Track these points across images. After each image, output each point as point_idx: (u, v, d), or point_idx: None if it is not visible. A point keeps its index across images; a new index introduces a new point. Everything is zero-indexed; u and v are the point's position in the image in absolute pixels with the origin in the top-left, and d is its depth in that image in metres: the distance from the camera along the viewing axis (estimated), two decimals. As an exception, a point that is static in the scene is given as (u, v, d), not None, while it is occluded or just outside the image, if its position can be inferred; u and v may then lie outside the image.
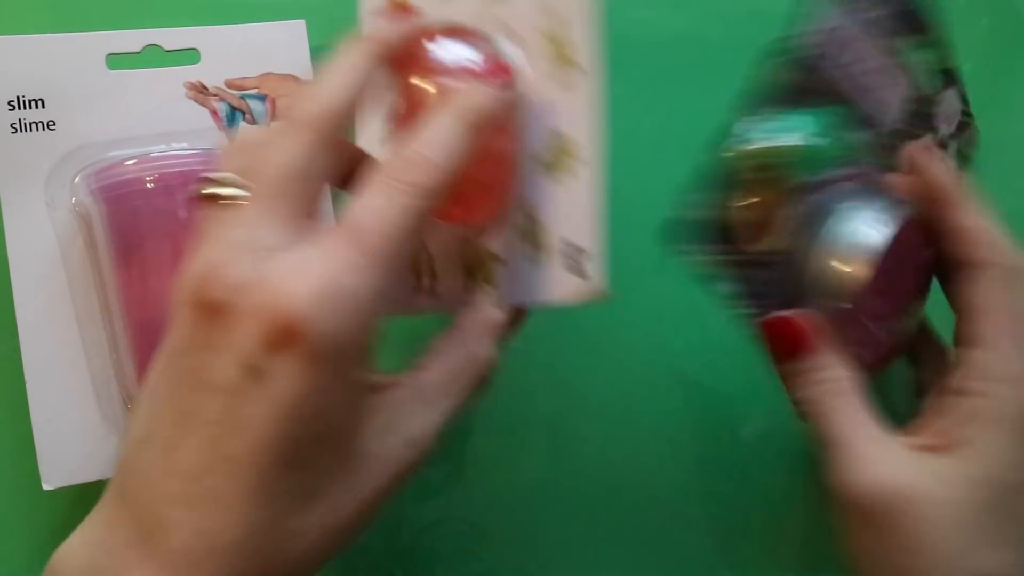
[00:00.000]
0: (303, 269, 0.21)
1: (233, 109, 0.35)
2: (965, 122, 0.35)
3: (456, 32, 0.28)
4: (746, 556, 0.39)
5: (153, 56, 0.34)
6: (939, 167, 0.31)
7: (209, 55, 0.34)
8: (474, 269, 0.31)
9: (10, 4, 0.35)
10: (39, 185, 0.32)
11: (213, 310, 0.21)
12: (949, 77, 0.35)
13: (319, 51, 0.36)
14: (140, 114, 0.33)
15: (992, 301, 0.28)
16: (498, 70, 0.28)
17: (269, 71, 0.35)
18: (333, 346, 0.21)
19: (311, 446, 0.22)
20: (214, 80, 0.34)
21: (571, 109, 0.30)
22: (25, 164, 0.32)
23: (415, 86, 0.27)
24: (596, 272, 0.30)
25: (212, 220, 0.23)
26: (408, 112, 0.27)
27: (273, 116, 0.35)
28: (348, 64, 0.25)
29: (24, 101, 0.32)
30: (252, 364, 0.21)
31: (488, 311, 0.28)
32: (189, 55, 0.34)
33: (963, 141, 0.35)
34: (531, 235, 0.31)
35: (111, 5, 0.36)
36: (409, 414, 0.25)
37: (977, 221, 0.30)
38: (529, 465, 0.39)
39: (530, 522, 0.38)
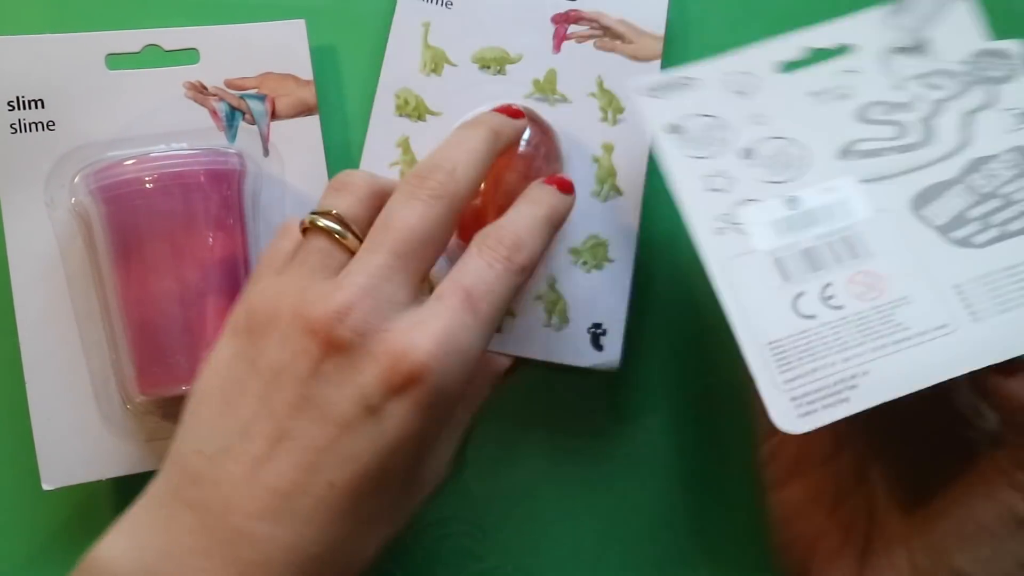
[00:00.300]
0: (426, 323, 0.25)
1: (233, 109, 0.35)
2: None
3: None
4: (747, 555, 0.39)
5: (153, 56, 0.34)
6: None
7: (209, 55, 0.34)
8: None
9: (10, 4, 0.35)
10: (39, 185, 0.32)
11: (340, 348, 0.24)
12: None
13: (319, 51, 0.36)
14: (140, 114, 0.33)
15: None
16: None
17: (269, 71, 0.35)
18: (444, 394, 0.25)
19: (397, 477, 0.25)
20: (214, 80, 0.34)
21: (610, 221, 0.37)
22: (25, 164, 0.32)
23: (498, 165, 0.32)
24: (612, 347, 0.36)
25: (326, 255, 0.27)
26: (490, 185, 0.33)
27: (273, 116, 0.35)
28: (481, 147, 0.29)
29: (24, 101, 0.32)
30: (371, 403, 0.24)
31: (496, 360, 0.32)
32: (189, 55, 0.34)
33: None
34: (554, 306, 0.37)
35: (111, 5, 0.36)
36: (444, 440, 0.29)
37: None
38: (529, 465, 0.39)
39: (530, 522, 0.38)
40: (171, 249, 0.31)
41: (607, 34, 0.38)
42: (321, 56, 0.36)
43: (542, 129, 0.35)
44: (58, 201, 0.32)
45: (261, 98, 0.35)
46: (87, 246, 0.32)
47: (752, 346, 0.28)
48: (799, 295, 0.29)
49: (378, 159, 0.37)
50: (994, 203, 0.29)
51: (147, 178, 0.31)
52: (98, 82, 0.33)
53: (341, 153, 0.36)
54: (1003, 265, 0.28)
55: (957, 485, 0.28)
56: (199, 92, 0.34)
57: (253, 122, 0.35)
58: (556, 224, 0.30)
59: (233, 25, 0.35)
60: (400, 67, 0.37)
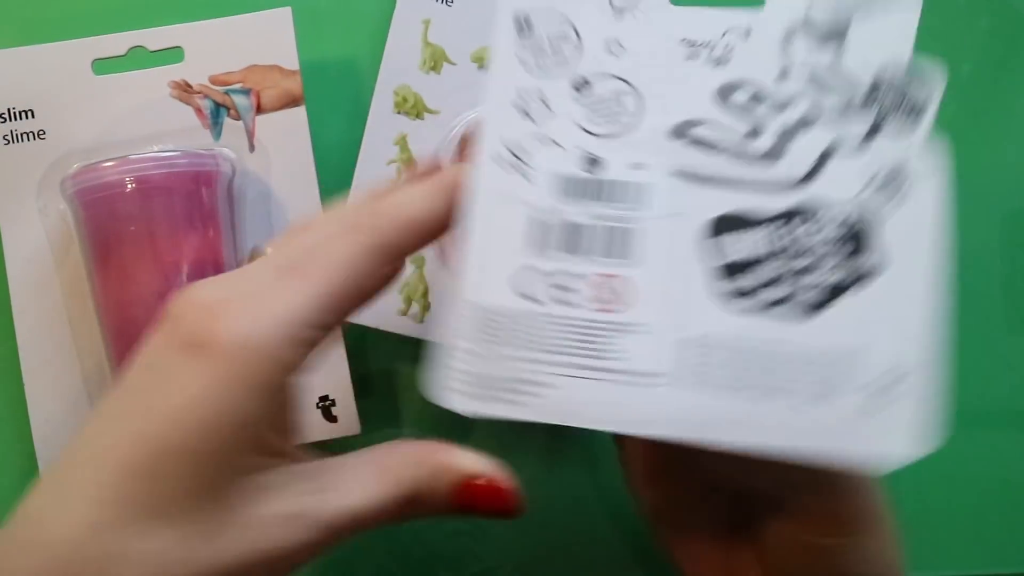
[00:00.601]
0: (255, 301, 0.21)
1: (217, 105, 0.34)
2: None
3: None
4: None
5: (138, 58, 0.34)
6: None
7: (193, 52, 0.34)
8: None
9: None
10: (32, 193, 0.33)
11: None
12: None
13: (306, 40, 0.35)
14: (128, 117, 0.34)
15: None
16: None
17: (254, 63, 0.34)
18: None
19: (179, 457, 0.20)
20: (199, 77, 0.34)
21: None
22: (18, 174, 0.33)
23: None
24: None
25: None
26: None
27: (258, 109, 0.34)
28: (427, 191, 0.24)
29: (14, 112, 0.33)
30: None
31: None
32: (174, 54, 0.34)
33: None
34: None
35: (93, 10, 0.36)
36: (296, 493, 0.22)
37: None
38: (529, 465, 0.36)
39: (530, 522, 0.35)
40: (150, 252, 0.31)
41: None
42: (309, 45, 0.35)
43: None
44: (51, 208, 0.33)
45: (246, 92, 0.34)
46: (81, 251, 0.33)
47: (463, 301, 0.24)
48: (537, 271, 0.24)
49: (375, 156, 0.36)
50: (790, 266, 0.24)
51: (125, 180, 0.31)
52: (86, 88, 0.33)
53: (328, 144, 0.35)
54: (754, 339, 0.23)
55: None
56: (184, 91, 0.34)
57: (238, 117, 0.34)
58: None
59: (216, 19, 0.34)
60: (399, 64, 0.36)
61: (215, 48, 0.34)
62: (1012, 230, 0.41)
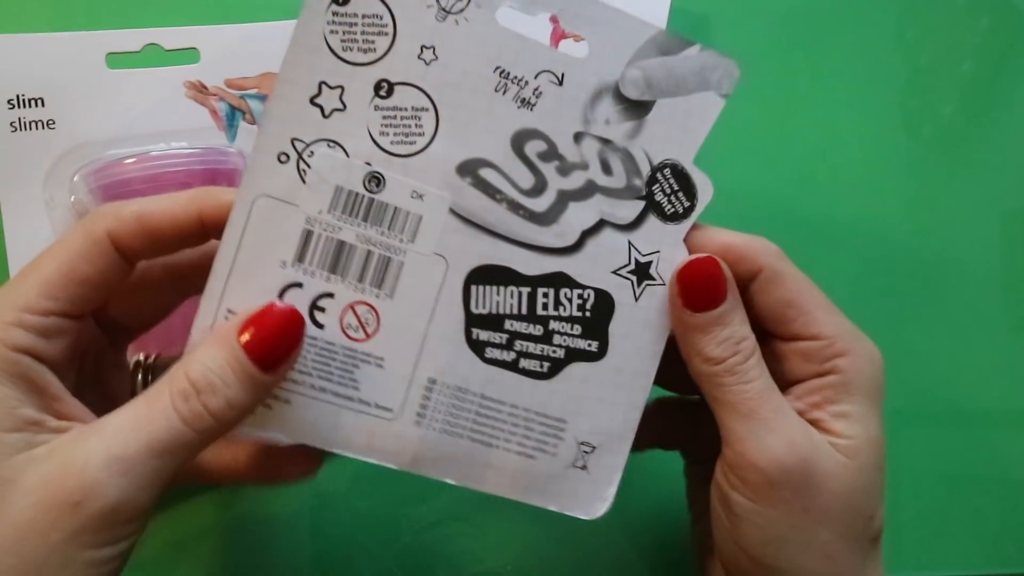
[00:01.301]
0: None
1: (233, 109, 0.35)
2: None
3: None
4: None
5: (153, 55, 0.34)
6: None
7: (209, 54, 0.34)
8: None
9: (10, 3, 0.35)
10: (38, 184, 0.32)
11: None
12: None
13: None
14: (139, 113, 0.33)
15: (803, 292, 0.26)
16: None
17: (269, 71, 0.35)
18: None
19: None
20: (214, 80, 0.34)
21: None
22: (24, 163, 0.32)
23: None
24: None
25: None
26: None
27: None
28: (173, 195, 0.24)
29: (24, 100, 0.32)
30: None
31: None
32: (189, 54, 0.34)
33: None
34: None
35: (111, 4, 0.35)
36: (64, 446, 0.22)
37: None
38: None
39: (530, 522, 0.38)
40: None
41: None
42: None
43: None
44: (58, 199, 0.32)
45: (261, 98, 0.35)
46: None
47: (223, 308, 0.23)
48: (291, 286, 0.24)
49: None
50: (532, 330, 0.25)
51: (147, 177, 0.31)
52: (98, 81, 0.33)
53: None
54: (482, 391, 0.25)
55: None
56: (199, 91, 0.34)
57: (253, 122, 0.35)
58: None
59: (233, 25, 0.35)
60: None
61: (231, 53, 0.35)
62: (1012, 230, 0.41)
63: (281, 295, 0.23)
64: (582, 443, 0.26)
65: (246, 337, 0.22)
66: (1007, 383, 0.41)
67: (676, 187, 0.25)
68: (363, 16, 0.23)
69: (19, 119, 0.32)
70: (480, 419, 0.25)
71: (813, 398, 0.26)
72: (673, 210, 0.25)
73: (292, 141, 0.23)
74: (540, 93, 0.24)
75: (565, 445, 0.26)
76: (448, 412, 0.25)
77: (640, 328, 0.25)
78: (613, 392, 0.25)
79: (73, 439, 0.21)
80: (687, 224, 0.25)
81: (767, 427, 0.24)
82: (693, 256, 0.25)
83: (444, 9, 0.23)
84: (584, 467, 0.26)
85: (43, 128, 0.32)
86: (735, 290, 0.25)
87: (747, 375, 0.25)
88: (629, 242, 0.25)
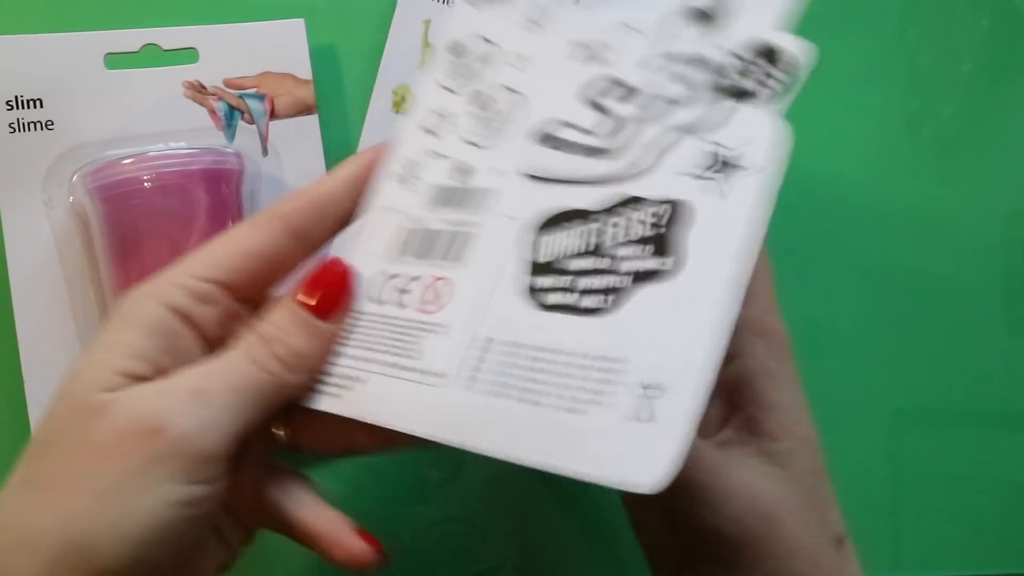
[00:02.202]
0: None
1: (232, 108, 0.34)
2: None
3: None
4: None
5: (151, 55, 0.34)
6: None
7: (207, 54, 0.34)
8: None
9: (9, 4, 0.35)
10: (37, 184, 0.32)
11: None
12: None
13: (318, 50, 0.36)
14: (138, 113, 0.33)
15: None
16: None
17: (268, 70, 0.35)
18: None
19: None
20: (213, 79, 0.34)
21: None
22: (23, 164, 0.32)
23: None
24: None
25: None
26: None
27: (272, 115, 0.35)
28: (334, 175, 0.26)
29: (22, 101, 0.32)
30: None
31: None
32: (188, 54, 0.34)
33: None
34: None
35: (109, 5, 0.35)
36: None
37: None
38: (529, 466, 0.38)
39: (530, 522, 0.38)
40: (169, 248, 0.31)
41: None
42: (320, 56, 0.36)
43: None
44: (56, 200, 0.32)
45: (260, 97, 0.35)
46: (85, 246, 0.32)
47: None
48: (385, 275, 0.25)
49: None
50: (598, 264, 0.21)
51: (145, 177, 0.31)
52: (97, 81, 0.33)
53: (339, 152, 0.36)
54: (536, 341, 0.21)
55: None
56: (198, 91, 0.34)
57: (252, 121, 0.35)
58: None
59: (232, 24, 0.35)
60: (399, 64, 0.37)
61: (229, 52, 0.34)
62: (1012, 230, 0.41)
63: (371, 287, 0.25)
64: (647, 386, 0.19)
65: (299, 292, 0.24)
66: (1007, 383, 0.40)
67: (764, 67, 0.22)
68: (472, 57, 0.27)
69: (18, 120, 0.31)
70: (532, 374, 0.21)
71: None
72: (767, 90, 0.22)
73: (405, 162, 0.26)
74: (607, 46, 0.25)
75: (626, 391, 0.19)
76: (499, 371, 0.21)
77: (728, 227, 0.20)
78: (691, 311, 0.20)
79: (161, 380, 0.22)
80: (787, 99, 0.22)
81: (722, 491, 0.24)
82: None
83: (532, 21, 0.26)
84: (650, 417, 0.19)
85: (42, 129, 0.32)
86: None
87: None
88: (716, 143, 0.22)
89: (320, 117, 0.35)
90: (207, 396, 0.22)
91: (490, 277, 0.23)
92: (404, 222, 0.25)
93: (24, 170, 0.32)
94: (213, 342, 0.24)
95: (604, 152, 0.23)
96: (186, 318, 0.23)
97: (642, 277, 0.20)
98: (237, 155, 0.33)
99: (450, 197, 0.25)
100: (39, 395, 0.31)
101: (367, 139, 0.36)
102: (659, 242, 0.21)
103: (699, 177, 0.21)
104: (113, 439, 0.21)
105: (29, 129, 0.32)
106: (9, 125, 0.31)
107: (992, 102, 0.41)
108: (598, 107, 0.24)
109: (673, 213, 0.21)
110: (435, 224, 0.25)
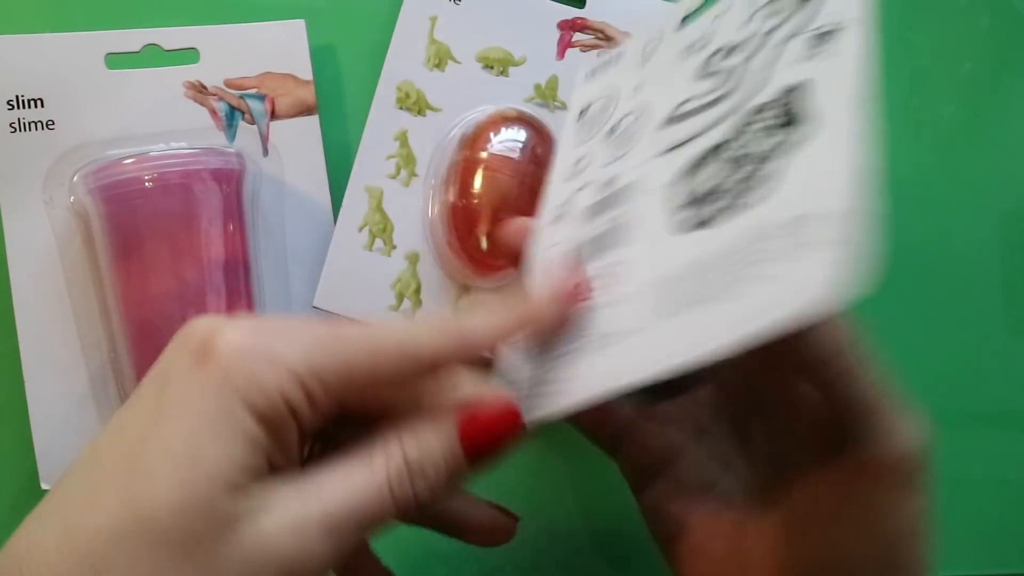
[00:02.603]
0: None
1: (232, 109, 0.35)
2: None
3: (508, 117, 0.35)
4: None
5: (152, 55, 0.34)
6: None
7: (208, 55, 0.34)
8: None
9: (10, 3, 0.35)
10: (38, 184, 0.32)
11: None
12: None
13: (319, 50, 0.36)
14: (139, 113, 0.33)
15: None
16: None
17: (268, 71, 0.35)
18: None
19: None
20: (213, 80, 0.34)
21: None
22: (24, 163, 0.32)
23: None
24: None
25: None
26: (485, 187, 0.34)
27: (272, 115, 0.35)
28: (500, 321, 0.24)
29: (23, 100, 0.32)
30: None
31: None
32: (188, 55, 0.34)
33: None
34: None
35: (111, 5, 0.35)
36: (296, 500, 0.22)
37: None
38: (529, 466, 0.38)
39: (530, 522, 0.37)
40: (171, 248, 0.31)
41: (612, 46, 0.37)
42: (321, 55, 0.36)
43: (537, 131, 0.35)
44: (57, 200, 0.32)
45: (261, 98, 0.35)
46: (85, 245, 0.32)
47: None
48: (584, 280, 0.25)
49: (375, 151, 0.36)
50: (745, 170, 0.22)
51: (146, 177, 0.31)
52: (98, 81, 0.33)
53: (340, 152, 0.36)
54: (715, 251, 0.21)
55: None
56: (199, 92, 0.34)
57: (253, 122, 0.35)
58: None
59: (233, 25, 0.35)
60: (404, 60, 0.37)
61: (230, 53, 0.35)
62: (1012, 230, 0.40)
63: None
64: (811, 221, 0.19)
65: (466, 430, 0.22)
66: (1007, 383, 0.40)
67: None
68: (595, 111, 0.29)
69: (19, 120, 0.32)
70: (709, 279, 0.21)
71: None
72: None
73: (559, 206, 0.28)
74: (711, 32, 0.26)
75: (788, 238, 0.20)
76: (680, 292, 0.22)
77: (847, 78, 0.21)
78: (837, 155, 0.20)
79: (295, 494, 0.20)
80: None
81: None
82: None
83: (647, 54, 0.28)
84: (825, 243, 0.19)
85: (43, 129, 0.32)
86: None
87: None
88: (816, 28, 0.22)
89: (320, 117, 0.35)
90: (339, 532, 0.20)
91: (654, 236, 0.24)
92: (567, 246, 0.26)
93: (25, 170, 0.32)
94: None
95: (724, 96, 0.24)
96: (296, 417, 0.20)
97: (787, 150, 0.21)
98: (238, 155, 0.33)
99: (602, 206, 0.26)
100: (39, 395, 0.31)
101: (370, 133, 0.36)
102: (792, 118, 0.22)
103: (809, 58, 0.22)
104: (242, 569, 0.19)
105: (30, 129, 0.32)
106: (10, 125, 0.32)
107: (992, 102, 0.41)
108: (710, 74, 0.25)
109: (796, 92, 0.22)
110: (597, 231, 0.26)
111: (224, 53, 0.34)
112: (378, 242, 0.36)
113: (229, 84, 0.35)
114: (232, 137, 0.34)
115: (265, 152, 0.35)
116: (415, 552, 0.37)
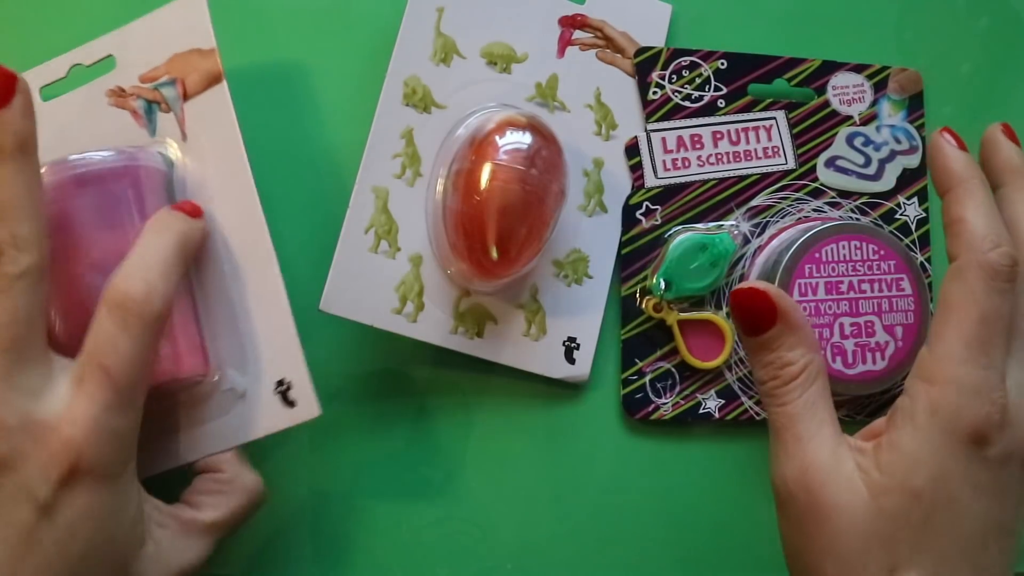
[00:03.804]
0: (75, 415, 0.25)
1: (149, 103, 0.33)
2: None
3: (516, 124, 0.35)
4: (747, 553, 0.37)
5: (79, 75, 0.34)
6: (949, 152, 0.28)
7: (122, 57, 0.34)
8: (466, 317, 0.36)
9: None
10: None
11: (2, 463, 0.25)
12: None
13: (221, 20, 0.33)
14: (76, 134, 0.34)
15: (953, 297, 0.26)
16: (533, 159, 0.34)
17: (176, 52, 0.33)
18: (110, 477, 0.26)
19: (94, 566, 0.26)
20: (131, 80, 0.34)
21: (593, 237, 0.38)
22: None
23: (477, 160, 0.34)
24: (584, 361, 0.37)
25: None
26: (489, 188, 0.34)
27: (185, 97, 0.33)
28: (172, 258, 0.28)
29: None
30: (47, 503, 0.25)
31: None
32: (107, 64, 0.34)
33: None
34: (534, 316, 0.37)
35: (34, 41, 0.37)
36: (182, 548, 0.29)
37: (963, 213, 0.27)
38: (529, 464, 0.37)
39: (530, 521, 0.36)
40: (70, 250, 0.30)
41: (610, 46, 0.39)
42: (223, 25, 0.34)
43: (545, 137, 0.35)
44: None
45: (172, 83, 0.33)
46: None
47: None
48: None
49: (381, 149, 0.36)
50: None
51: (54, 184, 0.31)
52: (37, 117, 0.34)
53: (344, 152, 0.37)
54: None
55: None
56: (119, 96, 0.34)
57: (169, 110, 0.33)
58: (189, 253, 0.29)
59: (137, 20, 0.34)
60: (411, 53, 0.37)
61: (140, 47, 0.34)
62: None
63: None
64: None
65: None
66: None
67: None
68: None
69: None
70: None
71: (883, 421, 0.27)
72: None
73: None
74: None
75: None
76: None
77: None
78: None
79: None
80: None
81: (785, 450, 0.26)
82: (743, 285, 0.28)
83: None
84: None
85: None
86: (788, 316, 0.27)
87: (782, 398, 0.27)
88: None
89: (233, 93, 0.32)
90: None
91: None
92: None
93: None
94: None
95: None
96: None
97: None
98: (153, 152, 0.32)
99: None
100: None
101: (377, 131, 0.36)
102: None
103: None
104: None
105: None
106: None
107: (989, 103, 0.42)
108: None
109: None
110: None
111: (135, 50, 0.34)
112: (383, 244, 0.36)
113: (143, 79, 0.34)
114: (153, 131, 0.33)
115: (184, 136, 0.33)
116: (415, 552, 0.36)
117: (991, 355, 0.24)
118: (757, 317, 0.26)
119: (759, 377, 0.27)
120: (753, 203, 0.39)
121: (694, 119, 0.39)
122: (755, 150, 0.39)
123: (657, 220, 0.38)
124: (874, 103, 0.40)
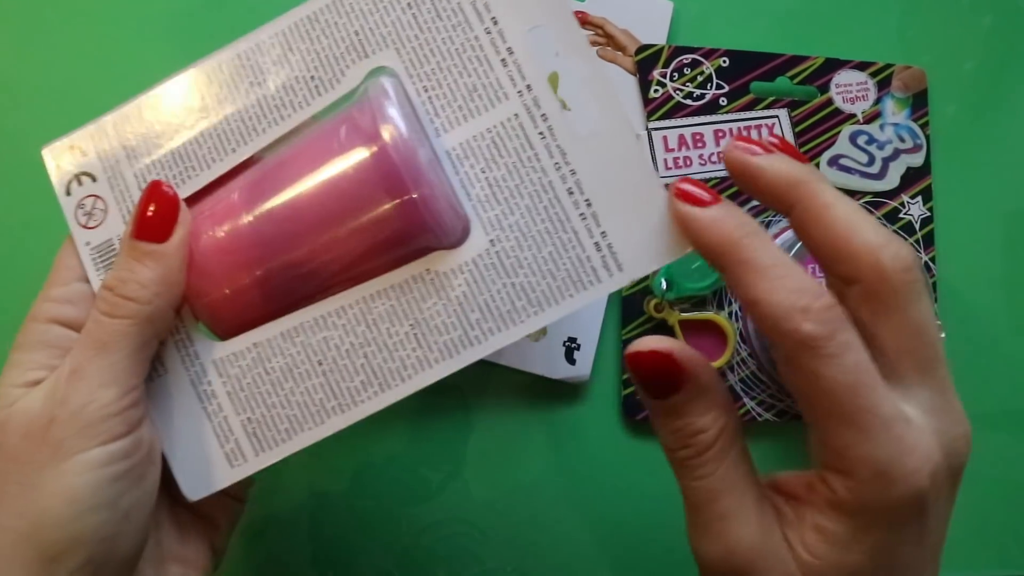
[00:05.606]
0: None
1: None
2: None
3: None
4: None
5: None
6: (698, 215, 0.24)
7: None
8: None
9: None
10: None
11: None
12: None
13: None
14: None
15: (815, 387, 0.22)
16: None
17: None
18: None
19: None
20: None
21: None
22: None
23: None
24: (584, 361, 0.37)
25: None
26: None
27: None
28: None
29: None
30: None
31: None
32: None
33: None
34: None
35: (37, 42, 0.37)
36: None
37: (752, 294, 0.22)
38: (529, 465, 0.37)
39: (530, 523, 0.37)
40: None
41: (610, 43, 0.39)
42: None
43: None
44: None
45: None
46: None
47: None
48: None
49: None
50: None
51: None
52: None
53: None
54: None
55: None
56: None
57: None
58: None
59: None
60: None
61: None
62: (1012, 230, 0.41)
63: None
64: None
65: (132, 229, 0.26)
66: (1009, 384, 0.40)
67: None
68: None
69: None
70: None
71: (803, 491, 0.23)
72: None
73: None
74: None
75: None
76: None
77: None
78: None
79: (51, 376, 0.26)
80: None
81: (707, 529, 0.23)
82: (641, 345, 0.23)
83: None
84: None
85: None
86: (697, 378, 0.23)
87: (697, 471, 0.23)
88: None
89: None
90: (81, 371, 0.24)
91: None
92: None
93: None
94: None
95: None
96: (64, 322, 0.26)
97: None
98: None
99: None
100: None
101: None
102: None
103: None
104: (20, 443, 0.24)
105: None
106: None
107: (993, 102, 0.41)
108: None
109: None
110: None
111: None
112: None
113: None
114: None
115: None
116: (415, 554, 0.36)
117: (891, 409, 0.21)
118: (660, 382, 0.23)
119: (667, 445, 0.24)
120: (755, 202, 0.38)
121: (696, 117, 0.39)
122: (757, 149, 0.39)
123: (659, 220, 0.38)
124: (877, 101, 0.39)
